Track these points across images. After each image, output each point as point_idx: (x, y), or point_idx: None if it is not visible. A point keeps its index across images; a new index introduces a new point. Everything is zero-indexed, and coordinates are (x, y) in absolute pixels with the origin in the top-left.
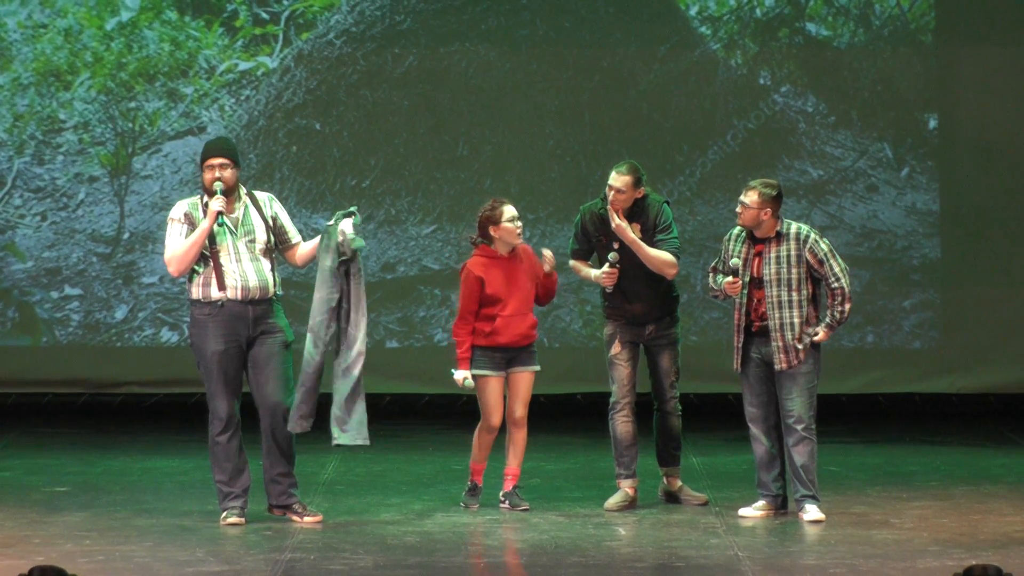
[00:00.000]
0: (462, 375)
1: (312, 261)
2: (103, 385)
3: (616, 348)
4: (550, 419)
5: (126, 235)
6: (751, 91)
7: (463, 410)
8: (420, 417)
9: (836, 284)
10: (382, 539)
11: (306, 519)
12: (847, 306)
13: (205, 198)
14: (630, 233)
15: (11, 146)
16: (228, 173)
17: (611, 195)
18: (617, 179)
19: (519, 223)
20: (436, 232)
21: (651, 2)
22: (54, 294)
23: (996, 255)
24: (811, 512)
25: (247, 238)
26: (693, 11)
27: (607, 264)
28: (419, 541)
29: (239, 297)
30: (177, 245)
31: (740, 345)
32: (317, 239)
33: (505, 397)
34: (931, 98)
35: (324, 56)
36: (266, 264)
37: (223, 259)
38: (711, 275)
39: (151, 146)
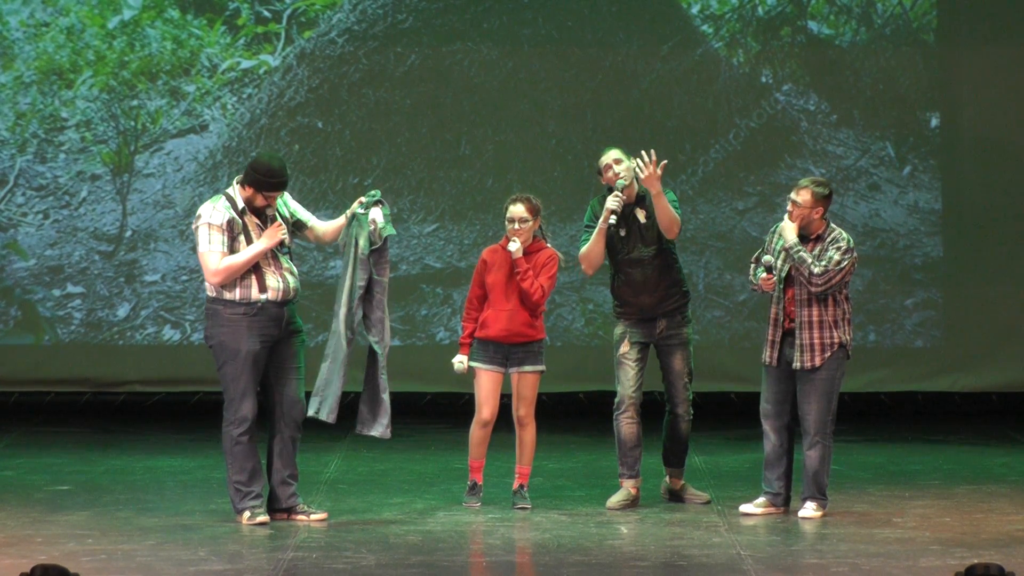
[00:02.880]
0: (457, 359)
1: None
2: (105, 384)
3: (625, 347)
4: (552, 418)
5: (128, 233)
6: (753, 90)
7: (465, 409)
8: (422, 416)
9: (820, 266)
10: (384, 538)
11: (313, 516)
12: (812, 272)
13: (240, 204)
14: (656, 182)
15: (13, 144)
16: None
17: (609, 173)
18: (607, 156)
19: (515, 225)
20: (438, 231)
21: (653, 1)
22: (56, 292)
23: (998, 254)
24: (806, 509)
25: (281, 250)
26: (695, 10)
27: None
28: (421, 540)
29: (279, 299)
30: (231, 260)
31: (776, 339)
32: (340, 220)
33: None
34: (933, 97)
35: (326, 55)
36: (293, 265)
37: (261, 262)
38: (752, 266)
39: (153, 144)
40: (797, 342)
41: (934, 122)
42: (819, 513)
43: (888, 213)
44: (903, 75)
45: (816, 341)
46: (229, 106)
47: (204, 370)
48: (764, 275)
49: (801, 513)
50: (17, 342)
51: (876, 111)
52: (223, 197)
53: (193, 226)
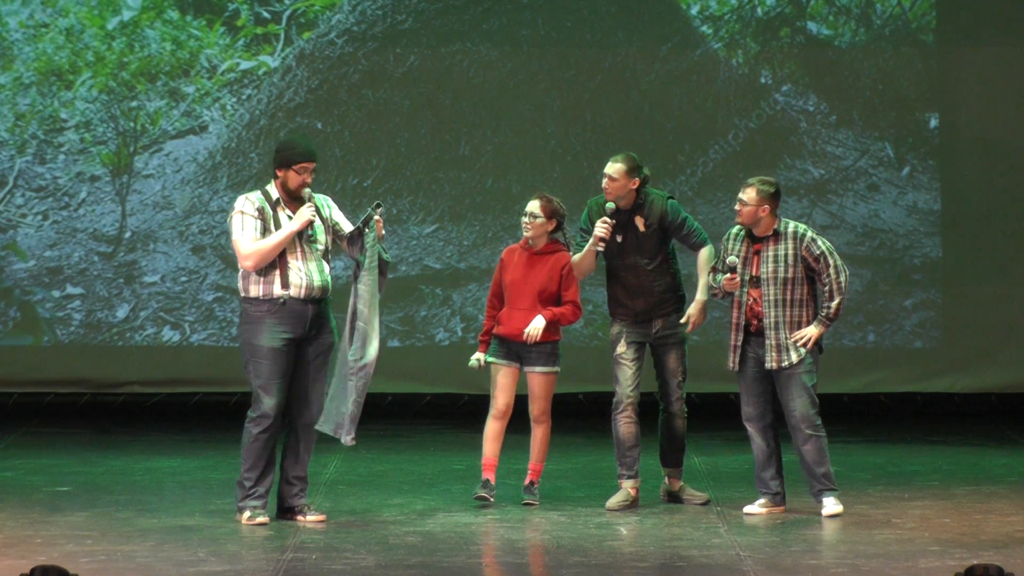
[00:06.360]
0: (474, 356)
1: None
2: (105, 385)
3: (621, 347)
4: (553, 419)
5: (128, 234)
6: (752, 90)
7: (465, 410)
8: (422, 417)
9: (830, 280)
10: (384, 539)
11: (309, 517)
12: (835, 301)
13: (276, 195)
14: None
15: (13, 145)
16: (312, 178)
17: (604, 183)
18: (610, 167)
19: (526, 219)
20: (438, 231)
21: (653, 2)
22: (56, 293)
23: (997, 254)
24: (829, 506)
25: (311, 240)
26: (694, 11)
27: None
28: (421, 541)
29: (302, 296)
30: (261, 242)
31: (739, 344)
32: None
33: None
34: (932, 97)
35: (326, 55)
36: (326, 265)
37: (288, 258)
38: (711, 274)
39: (152, 145)
40: (769, 342)
41: (933, 122)
42: (841, 507)
43: (887, 214)
44: (902, 75)
45: (790, 340)
46: (228, 107)
47: (204, 371)
48: (728, 276)
49: (825, 512)
50: (17, 343)
51: (875, 111)
52: (259, 191)
53: (228, 218)
